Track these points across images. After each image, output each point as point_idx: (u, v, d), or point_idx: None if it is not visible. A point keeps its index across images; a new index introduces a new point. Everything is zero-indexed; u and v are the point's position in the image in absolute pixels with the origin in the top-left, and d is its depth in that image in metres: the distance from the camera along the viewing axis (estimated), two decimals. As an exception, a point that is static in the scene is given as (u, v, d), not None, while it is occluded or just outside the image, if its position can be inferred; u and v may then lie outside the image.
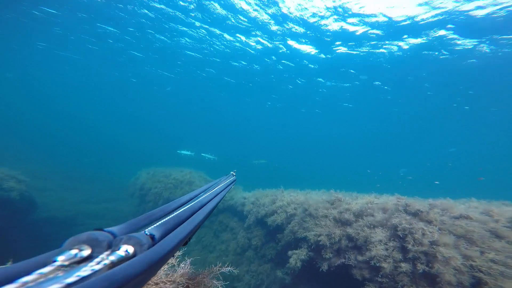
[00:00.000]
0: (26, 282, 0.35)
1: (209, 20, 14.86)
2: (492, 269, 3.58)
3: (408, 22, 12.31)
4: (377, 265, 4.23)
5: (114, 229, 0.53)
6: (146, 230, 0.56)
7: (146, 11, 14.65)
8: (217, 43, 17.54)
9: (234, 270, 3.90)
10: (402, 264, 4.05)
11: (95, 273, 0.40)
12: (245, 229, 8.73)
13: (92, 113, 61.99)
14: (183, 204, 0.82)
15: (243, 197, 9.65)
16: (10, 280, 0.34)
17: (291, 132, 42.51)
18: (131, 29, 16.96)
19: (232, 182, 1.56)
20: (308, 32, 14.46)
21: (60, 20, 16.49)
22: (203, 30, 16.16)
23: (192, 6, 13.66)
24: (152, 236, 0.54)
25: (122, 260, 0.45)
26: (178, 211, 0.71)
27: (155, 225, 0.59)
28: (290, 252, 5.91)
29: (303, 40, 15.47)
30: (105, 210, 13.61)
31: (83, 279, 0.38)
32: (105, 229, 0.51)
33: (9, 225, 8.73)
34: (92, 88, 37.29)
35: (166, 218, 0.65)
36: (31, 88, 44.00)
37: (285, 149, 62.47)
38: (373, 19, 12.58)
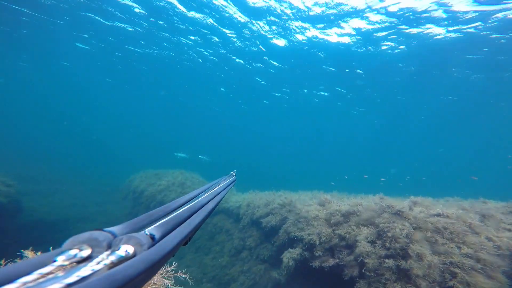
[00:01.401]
0: (26, 282, 0.34)
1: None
2: (464, 263, 3.76)
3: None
4: (363, 260, 4.48)
5: (114, 229, 0.52)
6: (146, 230, 0.56)
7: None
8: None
9: (189, 280, 3.93)
10: (386, 260, 4.29)
11: (95, 273, 0.40)
12: (240, 230, 8.71)
13: (85, 117, 60.61)
14: (183, 204, 0.82)
15: (237, 200, 9.67)
16: (10, 280, 0.34)
17: (287, 134, 42.75)
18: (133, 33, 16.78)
19: (232, 182, 1.55)
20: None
21: (49, 25, 16.15)
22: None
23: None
24: (152, 236, 0.54)
25: (122, 260, 0.45)
26: (178, 211, 0.71)
27: (155, 225, 0.59)
28: (284, 254, 5.98)
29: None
30: (96, 213, 13.29)
31: (83, 279, 0.38)
32: (105, 229, 0.50)
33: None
34: (84, 91, 36.58)
35: (166, 218, 0.64)
36: (21, 92, 42.81)
37: (280, 150, 62.68)
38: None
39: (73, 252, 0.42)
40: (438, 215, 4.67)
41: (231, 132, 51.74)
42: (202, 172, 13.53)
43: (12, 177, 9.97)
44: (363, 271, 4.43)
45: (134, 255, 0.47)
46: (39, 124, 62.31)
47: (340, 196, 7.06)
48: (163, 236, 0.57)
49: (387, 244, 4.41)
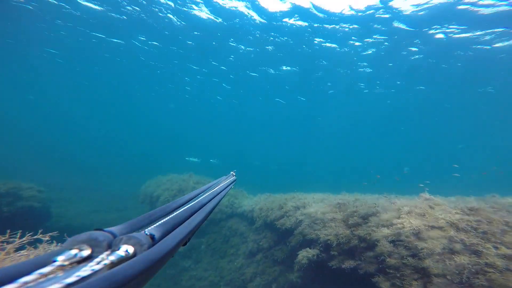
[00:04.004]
0: (26, 282, 0.35)
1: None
2: (498, 265, 3.50)
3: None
4: (384, 259, 4.37)
5: (114, 229, 0.53)
6: (146, 230, 0.56)
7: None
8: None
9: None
10: (408, 259, 4.18)
11: (95, 273, 0.40)
12: (254, 233, 8.69)
13: (103, 126, 63.75)
14: (183, 204, 0.82)
15: (250, 203, 9.70)
16: (10, 280, 0.35)
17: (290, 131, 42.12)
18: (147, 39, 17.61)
19: (232, 182, 1.55)
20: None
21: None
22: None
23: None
24: (152, 236, 0.54)
25: (122, 260, 0.45)
26: (178, 211, 0.71)
27: (155, 225, 0.59)
28: (300, 252, 5.90)
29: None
30: (117, 219, 13.87)
31: (83, 279, 0.38)
32: (105, 229, 0.51)
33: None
34: (104, 103, 38.68)
35: (166, 218, 0.65)
36: (48, 108, 46.34)
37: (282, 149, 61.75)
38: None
39: (73, 252, 0.43)
40: (463, 213, 4.42)
41: (239, 135, 52.16)
42: (213, 174, 13.79)
43: (40, 185, 10.68)
44: (383, 267, 4.33)
45: (134, 255, 0.48)
46: (61, 138, 66.36)
47: (353, 197, 6.89)
48: (163, 236, 0.57)
49: (408, 244, 4.26)
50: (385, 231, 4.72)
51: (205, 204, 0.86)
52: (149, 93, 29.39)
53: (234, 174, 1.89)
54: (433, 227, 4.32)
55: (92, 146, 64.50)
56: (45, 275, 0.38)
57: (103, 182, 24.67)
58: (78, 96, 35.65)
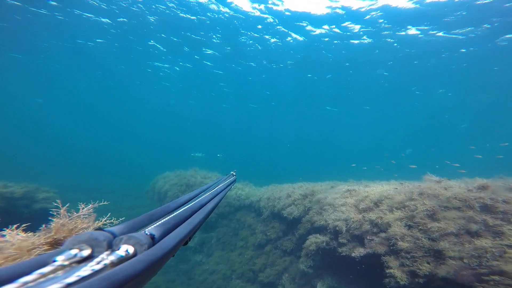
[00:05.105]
0: (26, 282, 0.35)
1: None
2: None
3: None
4: (396, 242, 4.37)
5: (114, 229, 0.53)
6: (146, 230, 0.56)
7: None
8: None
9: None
10: (422, 240, 4.16)
11: (95, 273, 0.40)
12: (262, 224, 8.79)
13: (109, 126, 64.73)
14: (183, 204, 0.82)
15: (256, 194, 9.76)
16: (10, 280, 0.35)
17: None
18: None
19: (232, 182, 1.57)
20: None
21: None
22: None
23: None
24: (152, 236, 0.54)
25: (122, 260, 0.45)
26: (178, 211, 0.71)
27: (155, 225, 0.59)
28: (309, 237, 5.91)
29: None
30: (129, 218, 14.24)
31: (83, 279, 0.38)
32: (105, 229, 0.51)
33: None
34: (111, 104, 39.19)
35: (166, 218, 0.65)
36: (55, 112, 47.42)
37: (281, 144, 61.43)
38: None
39: (73, 252, 0.43)
40: (477, 192, 4.30)
41: (242, 130, 52.13)
42: (217, 168, 13.92)
43: (54, 187, 11.04)
44: (394, 250, 4.32)
45: (134, 255, 0.48)
46: (70, 140, 67.80)
47: (362, 184, 6.79)
48: (163, 236, 0.57)
49: (422, 226, 4.25)
50: (398, 213, 4.69)
51: (205, 204, 0.87)
52: (150, 90, 29.45)
53: (234, 174, 1.90)
54: (447, 208, 4.27)
55: (100, 148, 65.92)
56: (45, 275, 0.38)
57: (112, 182, 25.31)
58: (85, 98, 36.23)
